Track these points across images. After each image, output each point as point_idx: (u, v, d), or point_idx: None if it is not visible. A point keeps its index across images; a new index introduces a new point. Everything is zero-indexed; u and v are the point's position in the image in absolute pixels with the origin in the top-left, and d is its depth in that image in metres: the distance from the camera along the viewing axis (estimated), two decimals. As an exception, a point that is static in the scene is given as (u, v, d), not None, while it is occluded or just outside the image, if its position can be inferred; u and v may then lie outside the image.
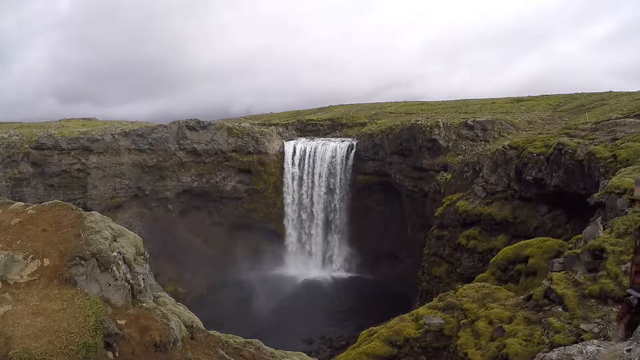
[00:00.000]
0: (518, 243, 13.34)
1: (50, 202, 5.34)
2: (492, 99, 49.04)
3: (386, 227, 39.32)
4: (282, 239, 43.75)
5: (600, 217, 10.55)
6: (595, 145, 17.56)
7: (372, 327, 10.99)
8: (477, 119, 33.37)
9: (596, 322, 6.15)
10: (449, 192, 28.31)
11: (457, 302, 9.16)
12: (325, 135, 46.50)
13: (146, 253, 5.77)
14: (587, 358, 3.95)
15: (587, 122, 23.78)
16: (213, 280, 39.79)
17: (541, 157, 20.41)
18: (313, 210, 42.72)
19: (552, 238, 12.96)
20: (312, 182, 42.18)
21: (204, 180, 43.81)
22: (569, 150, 18.36)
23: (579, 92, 41.86)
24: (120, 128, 42.84)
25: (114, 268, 4.84)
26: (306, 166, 42.20)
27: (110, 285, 4.76)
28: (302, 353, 7.00)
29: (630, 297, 3.37)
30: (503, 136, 30.94)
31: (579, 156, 17.70)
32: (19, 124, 47.79)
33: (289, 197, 43.35)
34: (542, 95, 45.03)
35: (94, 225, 4.92)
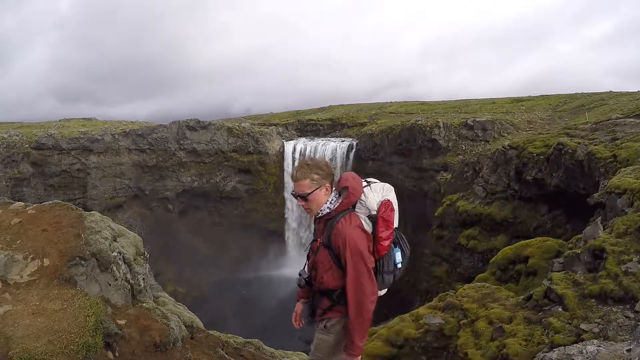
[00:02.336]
0: (518, 243, 13.31)
1: (50, 202, 5.33)
2: (492, 99, 49.02)
3: (386, 227, 39.22)
4: (282, 239, 43.73)
5: (600, 217, 10.55)
6: (595, 145, 17.55)
7: (372, 327, 10.99)
8: (477, 119, 33.36)
9: (596, 322, 6.15)
10: (449, 192, 28.30)
11: (457, 302, 9.15)
12: (325, 135, 46.48)
13: (146, 253, 5.77)
14: (587, 358, 3.96)
15: (587, 122, 23.77)
16: (213, 280, 39.79)
17: (541, 157, 20.40)
18: (313, 210, 42.66)
19: (552, 238, 12.94)
20: (312, 182, 42.09)
21: (204, 180, 43.81)
22: (569, 150, 18.34)
23: (579, 92, 41.86)
24: (120, 128, 42.85)
25: (114, 268, 4.84)
26: (306, 166, 42.12)
27: (110, 285, 4.76)
28: (302, 353, 7.00)
29: (299, 277, 3.55)
30: (503, 136, 30.92)
31: (579, 156, 17.69)
32: (19, 124, 47.82)
33: (289, 197, 43.33)
34: (542, 95, 45.01)
35: (94, 225, 4.92)
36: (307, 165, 3.38)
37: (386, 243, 3.38)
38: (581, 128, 21.72)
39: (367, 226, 3.35)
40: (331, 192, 3.41)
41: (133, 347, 4.19)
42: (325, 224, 3.40)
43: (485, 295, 9.18)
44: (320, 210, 3.39)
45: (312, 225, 3.70)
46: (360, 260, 3.24)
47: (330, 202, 3.38)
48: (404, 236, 3.60)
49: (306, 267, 3.62)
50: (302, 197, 3.35)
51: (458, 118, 35.30)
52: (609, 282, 6.73)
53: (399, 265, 3.54)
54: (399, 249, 3.52)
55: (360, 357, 3.43)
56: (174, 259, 39.53)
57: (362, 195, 3.36)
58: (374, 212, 3.35)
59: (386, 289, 3.62)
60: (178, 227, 43.19)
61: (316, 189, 3.32)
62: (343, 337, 3.53)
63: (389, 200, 3.41)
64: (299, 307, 3.83)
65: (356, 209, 3.37)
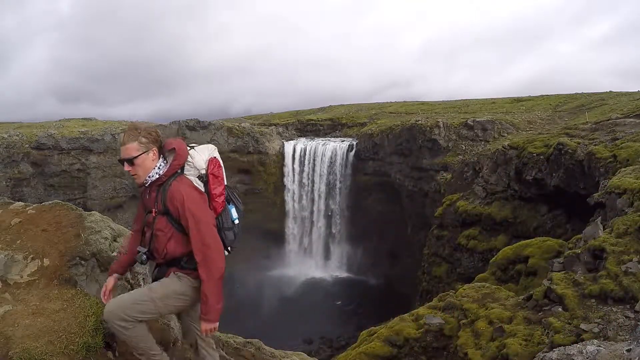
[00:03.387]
0: (518, 243, 13.32)
1: (50, 202, 5.33)
2: (492, 99, 49.06)
3: (386, 227, 39.31)
4: (282, 239, 43.72)
5: (600, 217, 10.54)
6: (595, 145, 17.55)
7: (372, 327, 10.98)
8: (477, 119, 33.37)
9: (596, 322, 6.15)
10: (449, 192, 28.31)
11: (457, 302, 9.15)
12: (325, 135, 46.49)
13: (146, 253, 5.75)
14: (587, 358, 3.96)
15: (587, 122, 23.77)
16: (213, 280, 39.72)
17: (541, 157, 20.39)
18: (313, 210, 42.71)
19: (552, 238, 12.95)
20: (312, 182, 42.16)
21: (204, 180, 43.80)
22: (569, 150, 18.34)
23: (579, 92, 41.89)
24: (120, 128, 42.80)
25: (114, 268, 4.83)
26: (306, 166, 42.18)
27: (110, 285, 4.75)
28: (302, 353, 7.00)
29: (139, 254, 3.48)
30: (503, 136, 30.94)
31: (579, 156, 17.69)
32: (19, 124, 47.75)
33: (289, 197, 43.34)
34: (542, 95, 45.04)
35: (94, 225, 4.92)
36: (136, 129, 3.28)
37: (221, 199, 3.42)
38: (581, 128, 21.71)
39: (199, 186, 3.36)
40: (159, 158, 3.35)
41: (133, 347, 4.18)
42: (157, 191, 3.33)
43: (485, 295, 9.18)
44: (149, 176, 3.32)
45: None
46: (200, 219, 3.22)
47: (159, 168, 3.33)
48: (234, 192, 3.66)
49: (144, 241, 3.51)
50: (129, 161, 3.25)
51: (458, 118, 35.31)
52: (609, 282, 6.73)
53: (236, 222, 3.58)
54: (233, 205, 3.57)
55: (217, 323, 3.31)
56: (174, 259, 39.45)
57: (189, 157, 3.35)
58: (203, 171, 3.36)
59: (230, 248, 3.62)
60: (178, 227, 43.17)
61: (143, 153, 3.24)
62: (196, 296, 3.40)
63: (215, 157, 3.44)
64: (110, 282, 3.63)
65: (185, 172, 3.35)
